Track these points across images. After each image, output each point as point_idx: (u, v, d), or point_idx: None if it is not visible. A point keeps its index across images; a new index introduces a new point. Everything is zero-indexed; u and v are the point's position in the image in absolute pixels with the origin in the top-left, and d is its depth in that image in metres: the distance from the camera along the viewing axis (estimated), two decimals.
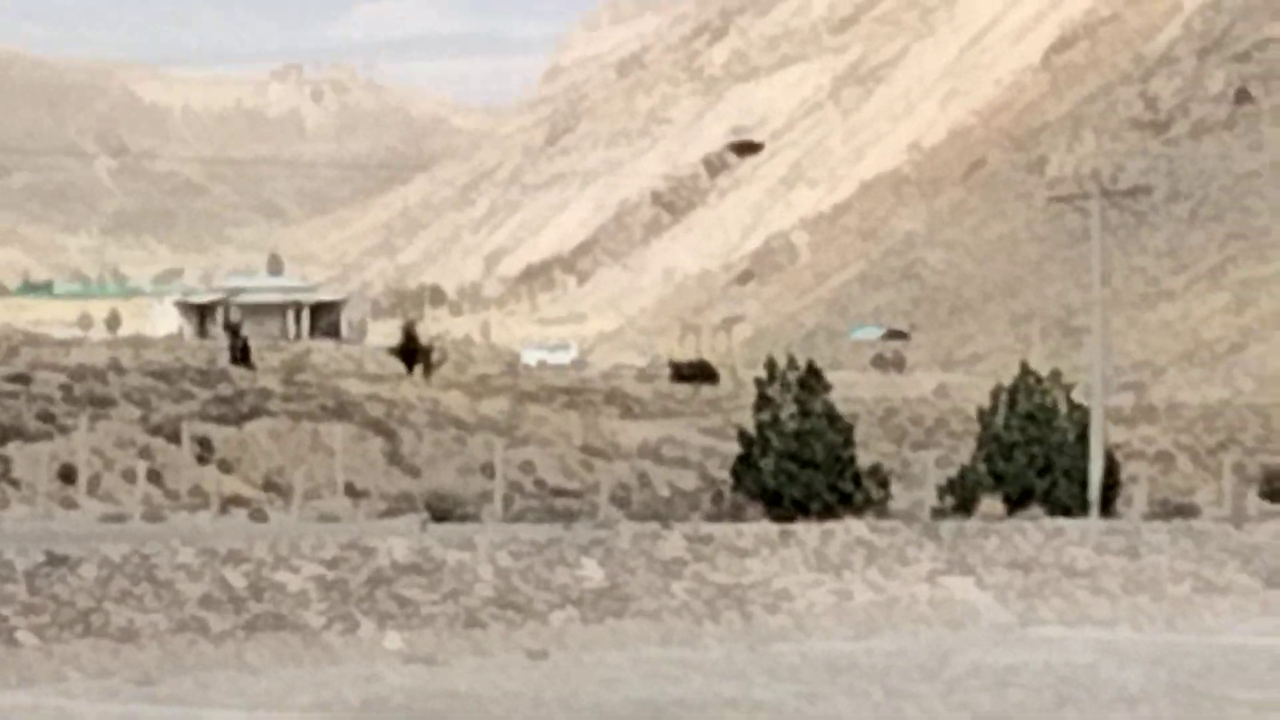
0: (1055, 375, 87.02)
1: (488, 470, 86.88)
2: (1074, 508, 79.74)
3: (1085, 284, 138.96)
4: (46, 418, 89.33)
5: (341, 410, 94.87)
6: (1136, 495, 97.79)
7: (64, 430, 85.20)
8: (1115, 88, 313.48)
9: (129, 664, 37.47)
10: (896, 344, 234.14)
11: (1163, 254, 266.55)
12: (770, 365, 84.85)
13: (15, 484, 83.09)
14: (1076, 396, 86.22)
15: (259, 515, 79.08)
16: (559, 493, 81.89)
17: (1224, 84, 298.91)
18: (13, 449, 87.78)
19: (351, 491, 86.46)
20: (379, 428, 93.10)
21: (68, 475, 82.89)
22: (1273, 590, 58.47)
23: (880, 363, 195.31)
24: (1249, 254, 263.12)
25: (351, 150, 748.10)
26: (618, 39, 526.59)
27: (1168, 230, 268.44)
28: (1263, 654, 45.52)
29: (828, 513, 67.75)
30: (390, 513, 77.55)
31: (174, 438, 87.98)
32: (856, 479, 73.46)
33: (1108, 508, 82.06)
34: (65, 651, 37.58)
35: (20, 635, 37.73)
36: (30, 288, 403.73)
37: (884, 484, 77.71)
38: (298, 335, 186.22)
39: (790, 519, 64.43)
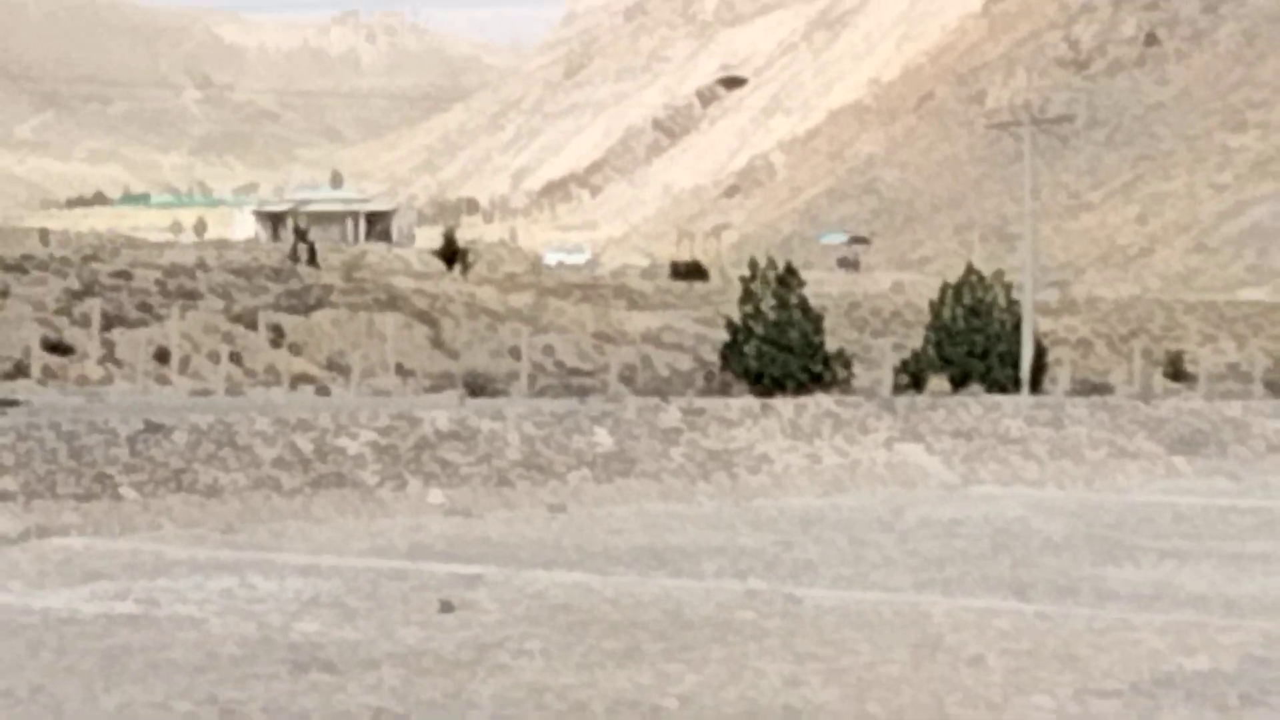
0: (997, 275, 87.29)
1: (515, 353, 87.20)
2: (1008, 386, 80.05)
3: (1018, 198, 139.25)
4: (144, 308, 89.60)
5: (392, 302, 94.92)
6: (1061, 376, 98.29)
7: (159, 318, 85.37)
8: (1043, 33, 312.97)
9: (214, 515, 37.87)
10: (859, 248, 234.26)
11: (1083, 173, 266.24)
12: (753, 265, 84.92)
13: (119, 364, 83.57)
14: (1011, 293, 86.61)
15: (323, 390, 79.34)
16: (575, 372, 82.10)
17: (1135, 29, 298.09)
18: (116, 334, 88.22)
19: (400, 371, 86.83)
20: (424, 317, 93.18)
21: (162, 357, 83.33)
22: (1175, 455, 58.77)
23: (844, 264, 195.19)
24: (1155, 173, 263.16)
25: (400, 84, 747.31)
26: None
27: (1087, 153, 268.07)
28: (1165, 509, 45.68)
29: (801, 389, 67.89)
30: (433, 389, 77.90)
31: (252, 325, 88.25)
32: (825, 361, 73.76)
33: (1036, 386, 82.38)
34: (160, 505, 37.90)
35: (123, 490, 37.94)
36: (130, 199, 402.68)
37: (848, 365, 78.12)
38: (355, 239, 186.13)
39: (770, 395, 64.61)
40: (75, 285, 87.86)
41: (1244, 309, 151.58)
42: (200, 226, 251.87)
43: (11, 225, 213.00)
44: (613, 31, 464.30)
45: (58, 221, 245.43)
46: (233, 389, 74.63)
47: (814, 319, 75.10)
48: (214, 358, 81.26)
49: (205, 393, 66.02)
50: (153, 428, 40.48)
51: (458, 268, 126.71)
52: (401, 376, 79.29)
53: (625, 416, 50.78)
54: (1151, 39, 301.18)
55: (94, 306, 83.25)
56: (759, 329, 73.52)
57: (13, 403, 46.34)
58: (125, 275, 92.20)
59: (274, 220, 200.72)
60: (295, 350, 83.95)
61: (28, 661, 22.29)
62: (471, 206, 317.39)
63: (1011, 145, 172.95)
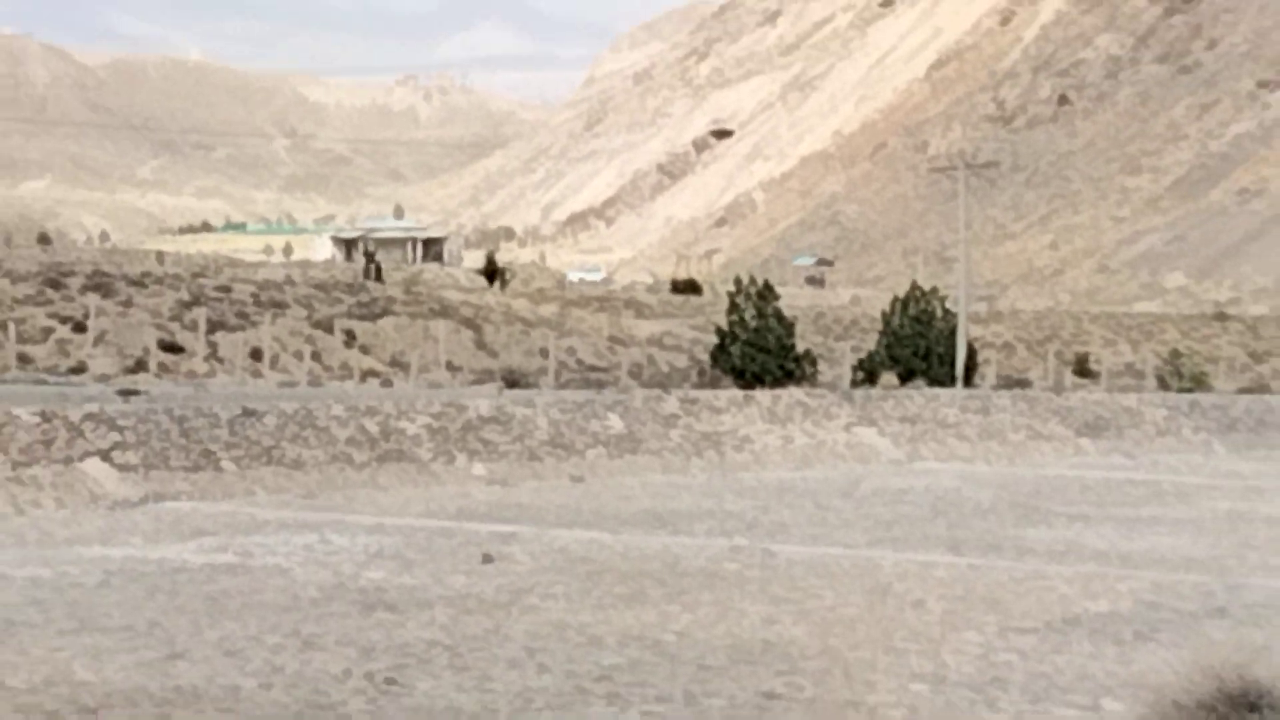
0: (934, 291, 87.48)
1: (544, 353, 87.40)
2: (945, 381, 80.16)
3: (954, 228, 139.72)
4: (242, 315, 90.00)
5: (444, 311, 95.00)
6: (988, 373, 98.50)
7: (254, 324, 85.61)
8: (975, 94, 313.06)
9: (297, 484, 38.04)
10: (824, 269, 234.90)
11: (1007, 208, 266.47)
12: (737, 282, 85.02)
13: (220, 361, 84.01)
14: (948, 305, 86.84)
15: (386, 383, 79.53)
16: (592, 369, 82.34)
17: (1050, 91, 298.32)
18: (219, 337, 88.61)
19: (450, 367, 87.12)
20: (469, 324, 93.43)
21: (256, 355, 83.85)
22: (1081, 438, 58.82)
23: (812, 281, 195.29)
24: (1066, 208, 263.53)
25: (450, 134, 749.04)
26: (634, 58, 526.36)
27: (1010, 192, 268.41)
28: (1074, 481, 45.71)
29: (777, 383, 68.06)
30: (477, 382, 78.25)
31: (329, 330, 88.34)
32: (796, 360, 73.84)
33: (969, 381, 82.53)
34: (254, 475, 37.95)
35: (224, 464, 38.06)
36: (230, 227, 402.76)
37: (814, 363, 78.24)
38: (414, 260, 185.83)
39: (751, 387, 64.79)
40: (185, 297, 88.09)
41: (1138, 319, 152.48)
42: (287, 250, 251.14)
43: (134, 248, 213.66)
44: (625, 93, 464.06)
45: (171, 245, 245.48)
46: (313, 381, 74.89)
47: (787, 326, 75.18)
48: (298, 356, 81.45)
49: (291, 384, 66.29)
50: (248, 412, 40.72)
51: (497, 284, 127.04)
52: (451, 372, 79.54)
53: (633, 405, 50.90)
54: (1064, 99, 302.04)
55: (200, 314, 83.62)
56: (742, 334, 73.60)
57: (135, 392, 46.61)
58: (226, 289, 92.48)
59: (347, 245, 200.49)
60: (364, 350, 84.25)
61: (145, 603, 22.71)
62: (508, 234, 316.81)
63: (949, 185, 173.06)
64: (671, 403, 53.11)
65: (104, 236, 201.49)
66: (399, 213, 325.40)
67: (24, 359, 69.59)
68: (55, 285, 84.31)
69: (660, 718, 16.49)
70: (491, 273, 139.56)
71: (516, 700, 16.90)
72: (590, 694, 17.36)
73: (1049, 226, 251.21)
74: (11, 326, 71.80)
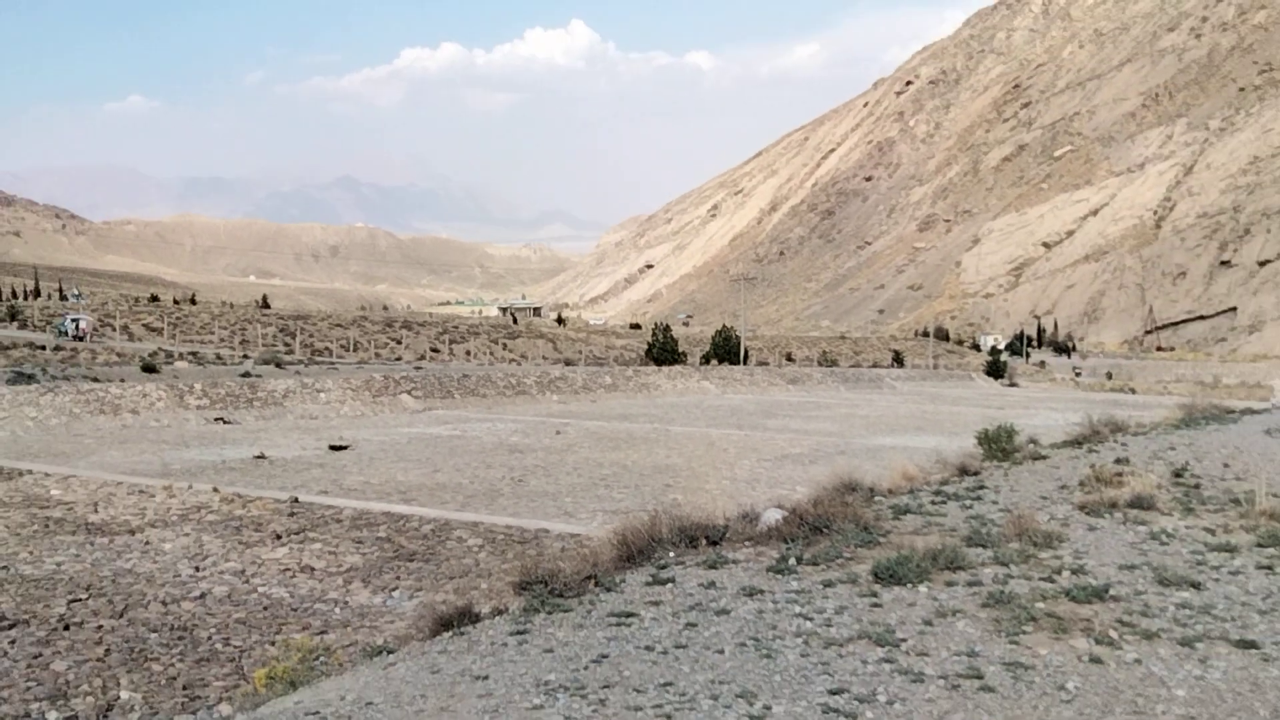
0: (732, 328, 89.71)
1: (579, 350, 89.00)
2: (737, 362, 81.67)
3: (741, 303, 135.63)
4: (464, 337, 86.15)
5: (540, 335, 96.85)
6: (753, 360, 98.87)
7: (466, 339, 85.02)
8: (748, 251, 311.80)
9: (484, 403, 40.08)
10: (690, 319, 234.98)
11: (762, 295, 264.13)
12: (654, 325, 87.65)
13: (454, 356, 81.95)
14: (738, 333, 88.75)
15: (516, 364, 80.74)
16: (599, 359, 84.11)
17: (775, 251, 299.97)
18: (470, 344, 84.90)
19: (542, 358, 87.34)
20: (551, 340, 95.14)
21: (467, 353, 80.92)
22: (789, 384, 60.24)
23: (685, 324, 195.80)
24: (783, 295, 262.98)
25: (544, 267, 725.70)
26: (616, 236, 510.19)
27: (761, 290, 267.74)
28: (776, 401, 47.23)
29: (671, 363, 71.61)
30: (554, 363, 78.99)
31: (495, 342, 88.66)
32: (677, 354, 76.45)
33: (745, 362, 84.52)
34: (466, 399, 40.04)
35: (455, 395, 40.16)
36: (457, 303, 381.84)
37: (684, 355, 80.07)
38: (529, 315, 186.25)
39: (661, 365, 68.42)
40: (441, 330, 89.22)
41: (812, 339, 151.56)
42: (478, 312, 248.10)
43: (418, 312, 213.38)
44: (611, 250, 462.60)
45: (440, 310, 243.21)
46: (491, 364, 76.54)
47: (673, 340, 76.96)
48: (484, 353, 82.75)
49: (480, 366, 68.14)
50: (465, 375, 42.65)
51: (561, 324, 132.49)
52: (543, 360, 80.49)
53: (615, 371, 54.69)
54: (781, 253, 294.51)
55: (447, 337, 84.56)
56: (656, 344, 76.37)
57: (420, 368, 48.42)
58: (455, 327, 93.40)
59: (503, 310, 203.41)
60: (509, 350, 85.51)
61: (424, 449, 25.07)
62: (565, 305, 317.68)
63: (740, 287, 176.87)
64: (630, 371, 55.42)
65: (407, 308, 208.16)
66: (523, 296, 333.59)
67: (377, 354, 72.43)
68: (390, 325, 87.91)
69: (627, 492, 19.02)
70: (559, 320, 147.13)
71: (569, 487, 19.60)
72: (598, 484, 20.04)
73: (777, 303, 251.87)
74: (372, 343, 75.07)
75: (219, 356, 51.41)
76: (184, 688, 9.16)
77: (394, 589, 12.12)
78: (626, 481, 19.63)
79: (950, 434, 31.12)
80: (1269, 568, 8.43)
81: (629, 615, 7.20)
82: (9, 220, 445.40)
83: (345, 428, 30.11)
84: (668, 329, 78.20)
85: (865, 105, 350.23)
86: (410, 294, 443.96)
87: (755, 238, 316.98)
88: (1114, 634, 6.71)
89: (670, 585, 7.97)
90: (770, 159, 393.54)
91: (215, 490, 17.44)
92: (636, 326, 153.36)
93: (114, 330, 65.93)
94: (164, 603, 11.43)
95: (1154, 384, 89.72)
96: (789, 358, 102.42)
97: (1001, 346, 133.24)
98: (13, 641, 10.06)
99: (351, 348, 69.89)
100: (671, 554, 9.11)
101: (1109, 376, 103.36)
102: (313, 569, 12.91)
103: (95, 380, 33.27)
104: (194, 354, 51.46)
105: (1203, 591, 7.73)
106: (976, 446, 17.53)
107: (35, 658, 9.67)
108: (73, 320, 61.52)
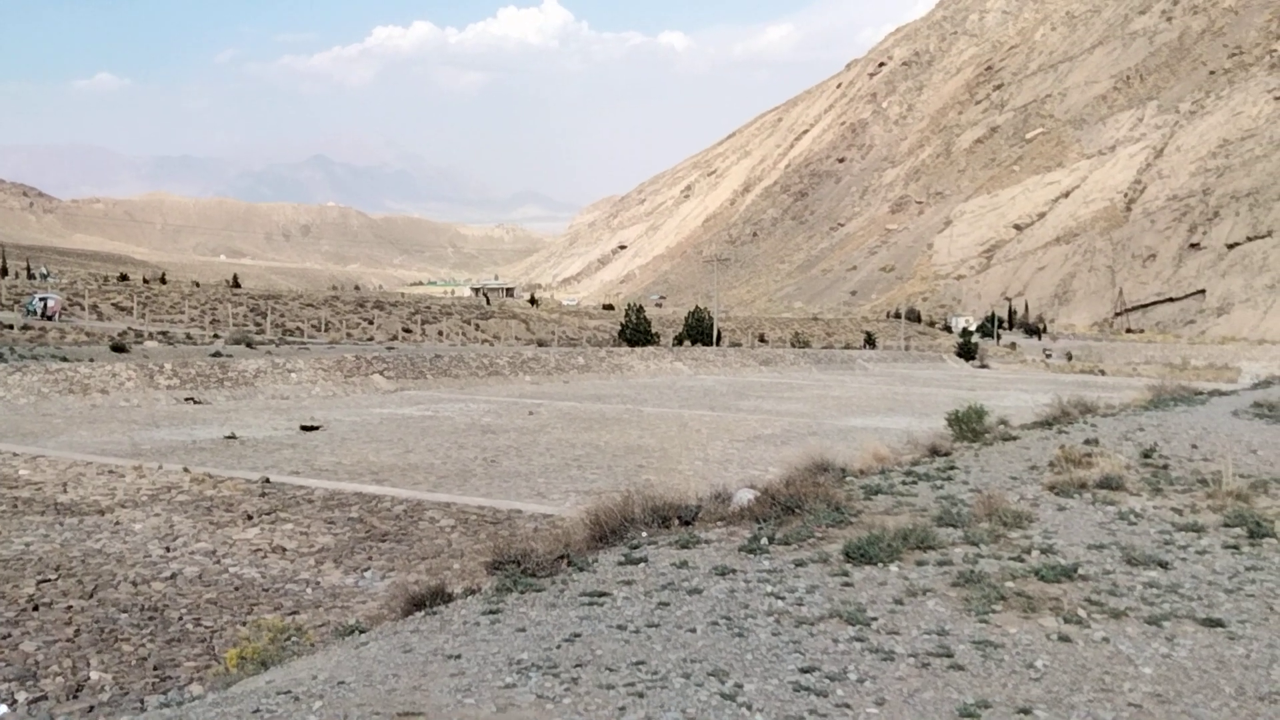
0: (705, 309, 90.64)
1: (553, 331, 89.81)
2: (709, 343, 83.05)
3: (713, 284, 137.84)
4: (435, 318, 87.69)
5: (513, 315, 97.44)
6: (725, 340, 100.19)
7: (439, 320, 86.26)
8: (721, 232, 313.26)
9: (456, 384, 39.85)
10: (663, 300, 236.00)
11: (734, 277, 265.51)
12: (627, 306, 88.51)
13: (426, 336, 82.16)
14: (711, 313, 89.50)
15: (489, 344, 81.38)
16: (572, 340, 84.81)
17: (748, 232, 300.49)
18: (425, 327, 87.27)
19: (515, 339, 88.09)
20: (523, 320, 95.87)
21: (440, 334, 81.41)
22: (761, 365, 60.22)
23: (658, 305, 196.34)
24: (755, 276, 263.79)
25: (517, 247, 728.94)
26: (589, 216, 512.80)
27: (734, 270, 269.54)
28: (756, 385, 47.53)
29: (644, 344, 72.42)
30: (527, 344, 79.34)
31: (468, 322, 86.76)
32: (649, 335, 77.40)
33: (719, 343, 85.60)
34: (438, 380, 39.84)
35: (428, 376, 39.88)
36: (429, 284, 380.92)
37: (657, 336, 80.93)
38: (501, 296, 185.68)
39: (634, 346, 69.22)
40: (413, 310, 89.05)
41: (784, 320, 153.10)
42: (450, 292, 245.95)
43: (390, 292, 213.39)
44: (585, 230, 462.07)
45: (413, 291, 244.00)
46: (463, 344, 76.68)
47: (646, 321, 77.72)
48: (456, 334, 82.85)
49: (452, 346, 68.13)
50: (436, 356, 42.72)
51: (534, 305, 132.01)
52: (516, 340, 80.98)
53: (588, 352, 54.99)
54: (755, 234, 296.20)
55: (419, 317, 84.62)
56: (629, 325, 77.14)
57: (392, 348, 48.66)
58: (428, 307, 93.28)
59: (476, 290, 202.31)
60: (482, 330, 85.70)
61: (396, 430, 24.92)
62: (539, 285, 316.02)
63: (712, 268, 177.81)
64: (603, 352, 55.41)
65: (379, 288, 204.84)
66: (496, 277, 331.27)
67: (349, 334, 72.35)
68: (362, 305, 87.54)
69: (599, 472, 19.05)
70: (532, 300, 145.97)
71: (541, 468, 19.66)
72: (571, 465, 20.05)
73: (750, 284, 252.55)
74: (344, 323, 74.84)
75: (189, 336, 51.01)
76: (155, 668, 9.18)
77: (366, 569, 12.19)
78: (599, 462, 19.69)
79: (921, 415, 31.50)
80: (1235, 547, 8.58)
81: (601, 595, 7.26)
82: None
83: (317, 408, 30.10)
84: (641, 310, 78.36)
85: (838, 87, 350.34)
86: (382, 274, 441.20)
87: (728, 219, 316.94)
88: (1082, 613, 6.83)
89: (643, 565, 8.03)
90: (744, 140, 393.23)
91: (186, 470, 17.47)
92: (609, 307, 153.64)
93: (83, 309, 65.19)
94: (134, 583, 11.44)
95: (1123, 365, 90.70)
96: (762, 339, 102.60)
97: (973, 328, 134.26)
98: None
99: (323, 328, 69.53)
100: (644, 534, 9.18)
101: (1069, 358, 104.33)
102: (284, 549, 12.98)
103: (64, 360, 33.34)
104: (164, 333, 50.97)
105: (1170, 571, 7.87)
106: (947, 427, 17.74)
107: (4, 638, 9.67)
108: (41, 299, 60.81)
